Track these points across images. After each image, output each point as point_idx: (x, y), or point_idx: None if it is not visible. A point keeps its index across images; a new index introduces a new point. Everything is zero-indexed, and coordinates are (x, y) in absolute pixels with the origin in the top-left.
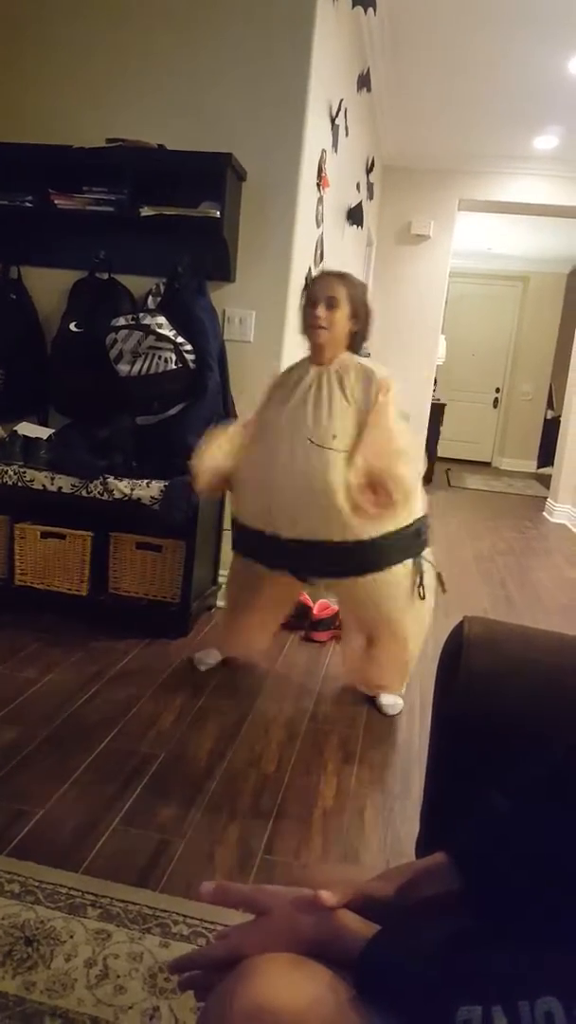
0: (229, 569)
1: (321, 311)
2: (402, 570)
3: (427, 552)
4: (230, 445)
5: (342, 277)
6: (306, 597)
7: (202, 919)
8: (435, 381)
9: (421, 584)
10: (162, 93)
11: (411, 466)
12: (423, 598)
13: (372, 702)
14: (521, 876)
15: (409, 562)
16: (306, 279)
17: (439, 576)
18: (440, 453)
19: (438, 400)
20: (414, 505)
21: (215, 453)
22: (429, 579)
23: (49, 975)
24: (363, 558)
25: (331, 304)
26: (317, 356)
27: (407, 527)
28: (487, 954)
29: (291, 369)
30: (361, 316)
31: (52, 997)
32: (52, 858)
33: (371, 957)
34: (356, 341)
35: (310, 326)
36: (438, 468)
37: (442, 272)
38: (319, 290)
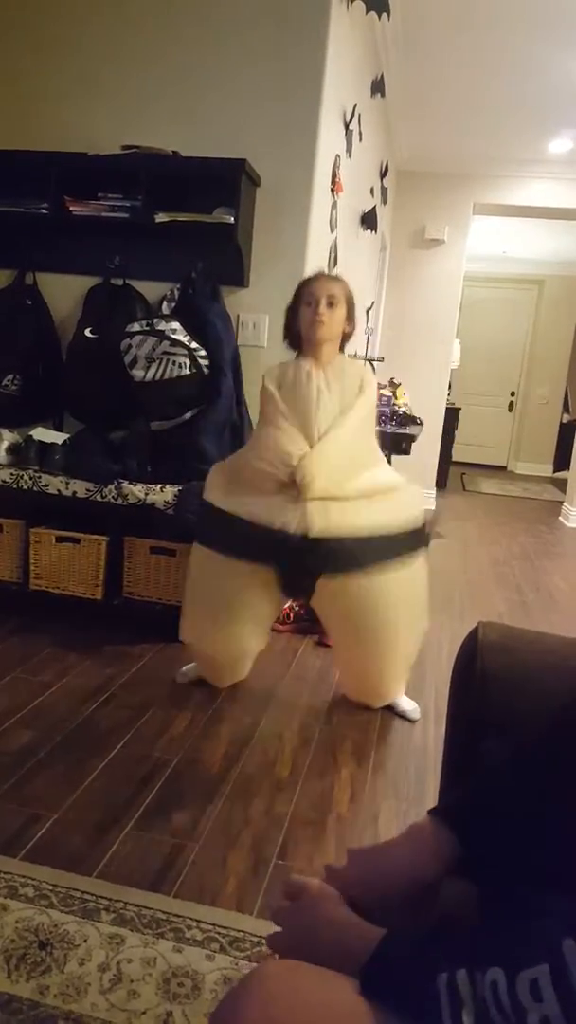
0: (196, 570)
1: (323, 308)
2: (393, 569)
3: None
4: None
5: (337, 279)
6: None
7: (215, 924)
8: (449, 385)
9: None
10: (176, 100)
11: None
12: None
13: (390, 709)
14: (506, 824)
15: (401, 561)
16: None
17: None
18: (455, 457)
19: (453, 404)
20: (399, 506)
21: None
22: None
23: (63, 979)
24: (362, 553)
25: (331, 302)
26: (314, 352)
27: (401, 530)
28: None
29: (285, 370)
30: (352, 318)
31: (66, 1001)
32: (66, 862)
33: (378, 961)
34: (344, 343)
35: (312, 323)
36: (453, 472)
37: (456, 276)
38: (318, 289)
